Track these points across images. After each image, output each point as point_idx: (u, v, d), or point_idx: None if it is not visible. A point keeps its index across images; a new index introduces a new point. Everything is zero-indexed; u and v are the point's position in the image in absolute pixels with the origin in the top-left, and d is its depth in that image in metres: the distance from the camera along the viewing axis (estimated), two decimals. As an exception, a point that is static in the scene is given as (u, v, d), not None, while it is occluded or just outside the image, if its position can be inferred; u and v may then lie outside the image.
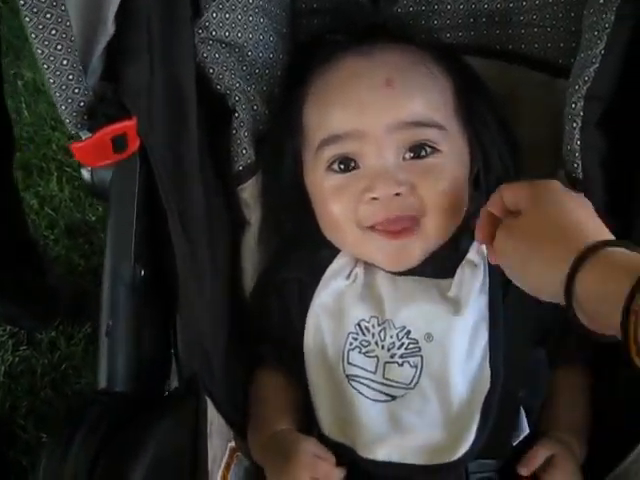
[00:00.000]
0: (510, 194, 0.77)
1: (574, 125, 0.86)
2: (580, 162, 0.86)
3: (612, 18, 0.85)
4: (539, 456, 0.82)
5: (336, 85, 0.89)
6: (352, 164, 0.87)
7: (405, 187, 0.85)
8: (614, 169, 0.87)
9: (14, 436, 1.49)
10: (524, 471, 0.81)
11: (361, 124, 0.85)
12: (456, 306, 0.85)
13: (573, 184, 0.87)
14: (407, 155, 0.86)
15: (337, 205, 0.87)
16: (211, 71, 0.90)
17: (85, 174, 0.83)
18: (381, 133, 0.85)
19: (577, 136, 0.86)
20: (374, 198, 0.85)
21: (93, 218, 1.83)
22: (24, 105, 2.06)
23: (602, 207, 0.85)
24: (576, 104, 0.86)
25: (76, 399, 1.50)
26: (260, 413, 0.88)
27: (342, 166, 0.87)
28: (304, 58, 0.95)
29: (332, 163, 0.88)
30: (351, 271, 0.89)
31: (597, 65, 0.85)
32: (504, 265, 0.76)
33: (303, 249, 0.92)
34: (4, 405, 1.53)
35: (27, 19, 0.72)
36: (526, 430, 0.83)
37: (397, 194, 0.85)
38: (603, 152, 0.87)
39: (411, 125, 0.85)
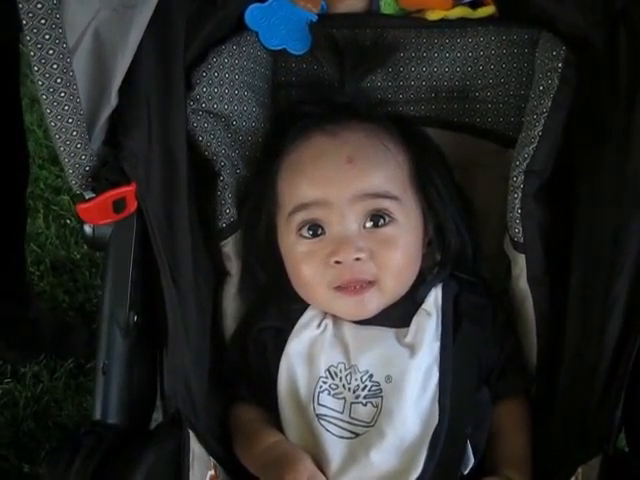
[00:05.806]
0: None
1: (515, 196, 0.97)
2: (521, 228, 0.97)
3: (549, 104, 0.97)
4: None
5: (305, 161, 0.99)
6: (319, 230, 0.97)
7: (365, 253, 0.95)
8: (551, 234, 0.99)
9: (-5, 466, 1.50)
10: None
11: (327, 194, 0.96)
12: (411, 350, 0.96)
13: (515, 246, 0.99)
14: (367, 224, 0.97)
15: (307, 268, 0.98)
16: (200, 139, 1.00)
17: (87, 229, 0.91)
18: (344, 202, 0.96)
19: (517, 205, 0.97)
20: (337, 262, 0.96)
21: (78, 256, 1.86)
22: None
23: (541, 267, 0.98)
24: (517, 177, 0.97)
25: (58, 432, 1.51)
26: (248, 431, 0.97)
27: (310, 232, 0.97)
28: (281, 128, 1.05)
29: (301, 228, 0.98)
30: (321, 321, 1.00)
31: (535, 145, 0.97)
32: None
33: (278, 301, 1.02)
34: (-14, 436, 1.54)
35: (44, 97, 0.81)
36: (472, 460, 0.92)
37: (357, 259, 0.95)
38: (541, 220, 0.98)
39: (370, 196, 0.96)
